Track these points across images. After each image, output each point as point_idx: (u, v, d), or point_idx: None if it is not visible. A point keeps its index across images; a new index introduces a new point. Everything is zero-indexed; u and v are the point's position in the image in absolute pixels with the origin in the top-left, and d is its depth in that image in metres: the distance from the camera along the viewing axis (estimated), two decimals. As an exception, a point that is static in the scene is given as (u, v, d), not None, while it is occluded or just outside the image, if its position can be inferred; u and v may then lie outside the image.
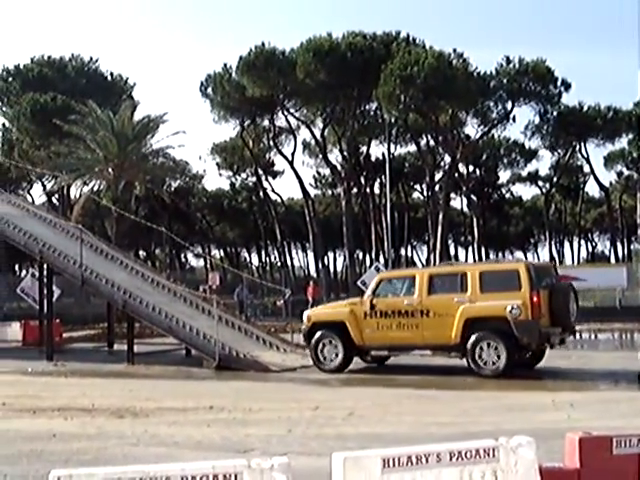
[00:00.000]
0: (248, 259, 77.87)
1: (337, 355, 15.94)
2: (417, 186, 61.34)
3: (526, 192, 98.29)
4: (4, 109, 49.75)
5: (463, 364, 14.82)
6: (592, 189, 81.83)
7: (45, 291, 22.62)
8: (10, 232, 22.33)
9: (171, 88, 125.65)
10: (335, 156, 50.60)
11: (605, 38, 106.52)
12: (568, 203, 66.17)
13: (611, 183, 60.85)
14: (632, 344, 24.64)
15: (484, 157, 56.79)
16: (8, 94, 48.26)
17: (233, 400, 11.97)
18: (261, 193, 57.32)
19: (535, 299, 14.18)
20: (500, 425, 9.04)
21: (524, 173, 60.48)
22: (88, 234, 23.08)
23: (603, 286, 32.25)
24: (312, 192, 56.58)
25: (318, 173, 61.07)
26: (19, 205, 25.71)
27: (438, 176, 50.80)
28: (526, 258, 75.33)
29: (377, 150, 60.27)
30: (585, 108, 48.55)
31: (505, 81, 44.03)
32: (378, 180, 54.52)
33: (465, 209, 60.23)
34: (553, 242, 63.41)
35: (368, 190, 55.01)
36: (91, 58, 51.31)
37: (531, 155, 56.34)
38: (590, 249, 75.87)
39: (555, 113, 47.36)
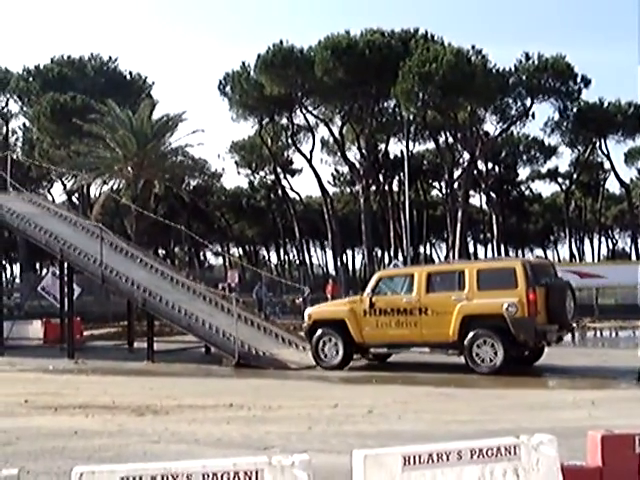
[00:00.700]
0: (267, 257, 78.14)
1: (337, 352, 16.11)
2: (436, 183, 61.20)
3: (546, 189, 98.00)
4: (25, 109, 50.21)
5: (461, 361, 14.92)
6: (612, 186, 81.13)
7: (66, 289, 22.74)
8: (31, 231, 22.48)
9: (190, 87, 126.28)
10: (353, 154, 50.66)
11: (625, 34, 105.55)
12: (588, 200, 65.70)
13: (632, 179, 60.52)
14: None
15: (503, 154, 56.53)
16: (28, 94, 48.65)
17: (252, 398, 11.98)
18: (279, 191, 57.36)
19: (531, 297, 14.24)
20: (520, 423, 8.98)
21: (544, 170, 60.25)
22: (108, 232, 23.20)
23: (624, 283, 31.91)
24: (330, 190, 56.66)
25: (336, 171, 61.13)
26: (40, 204, 25.87)
27: (457, 173, 50.64)
28: (546, 255, 75.10)
29: (395, 148, 60.15)
30: (605, 104, 48.20)
31: (524, 77, 43.77)
32: (397, 178, 54.41)
33: (484, 206, 60.00)
34: (573, 239, 63.03)
35: (387, 188, 54.94)
36: (110, 57, 51.70)
37: (551, 152, 56.03)
38: (611, 246, 75.46)
39: (575, 109, 47.02)
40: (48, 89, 46.00)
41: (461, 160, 51.35)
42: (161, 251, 60.05)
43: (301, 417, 10.13)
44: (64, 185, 50.48)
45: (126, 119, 38.56)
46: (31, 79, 49.06)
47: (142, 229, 37.35)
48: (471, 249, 64.24)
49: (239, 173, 61.18)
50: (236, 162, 59.49)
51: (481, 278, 14.78)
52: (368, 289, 16.10)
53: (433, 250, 70.70)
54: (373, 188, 51.68)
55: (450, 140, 49.56)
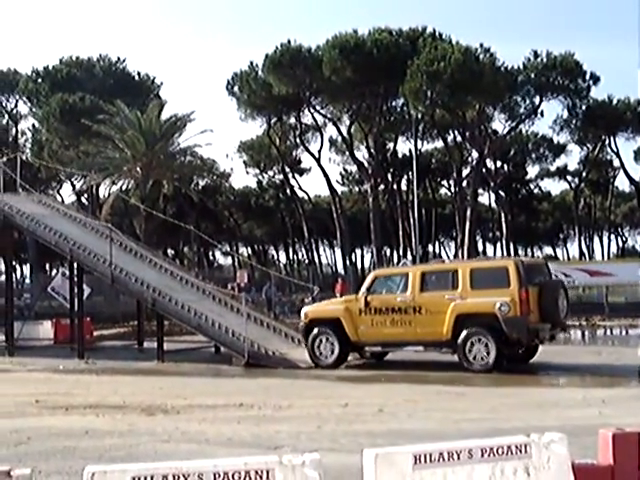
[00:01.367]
0: (276, 257, 78.11)
1: (333, 351, 16.23)
2: (444, 182, 61.07)
3: (555, 187, 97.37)
4: (34, 110, 50.33)
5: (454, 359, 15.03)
6: (622, 183, 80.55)
7: (75, 290, 22.85)
8: (41, 232, 22.57)
9: (198, 87, 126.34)
10: (362, 153, 50.62)
11: (634, 31, 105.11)
12: (598, 198, 65.44)
13: (641, 177, 60.09)
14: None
15: (512, 152, 56.33)
16: (37, 95, 48.76)
17: (262, 397, 12.00)
18: (288, 190, 57.37)
19: (524, 296, 14.36)
20: (530, 421, 8.97)
21: (553, 168, 59.97)
22: (117, 233, 23.27)
23: (634, 281, 31.88)
24: (339, 189, 56.62)
25: (345, 170, 61.04)
26: (49, 205, 25.97)
27: (465, 172, 50.55)
28: (555, 254, 74.92)
29: (404, 146, 60.04)
30: (614, 102, 48.01)
31: (533, 75, 43.66)
32: (405, 176, 54.29)
33: (493, 205, 59.81)
34: (582, 237, 62.80)
35: (395, 186, 54.83)
36: (118, 58, 51.74)
37: (560, 150, 55.79)
38: (620, 244, 75.12)
39: (584, 107, 46.83)
40: (57, 90, 46.10)
41: (470, 158, 51.22)
42: (170, 251, 60.16)
43: (311, 416, 10.14)
44: (73, 186, 50.76)
45: (135, 119, 38.68)
46: (40, 80, 49.16)
47: (151, 229, 37.45)
48: (480, 248, 64.16)
49: (247, 173, 61.32)
50: (244, 162, 59.54)
51: (474, 277, 14.95)
52: (363, 288, 16.30)
53: (442, 249, 70.57)
54: (382, 187, 51.59)
55: (459, 139, 49.47)
